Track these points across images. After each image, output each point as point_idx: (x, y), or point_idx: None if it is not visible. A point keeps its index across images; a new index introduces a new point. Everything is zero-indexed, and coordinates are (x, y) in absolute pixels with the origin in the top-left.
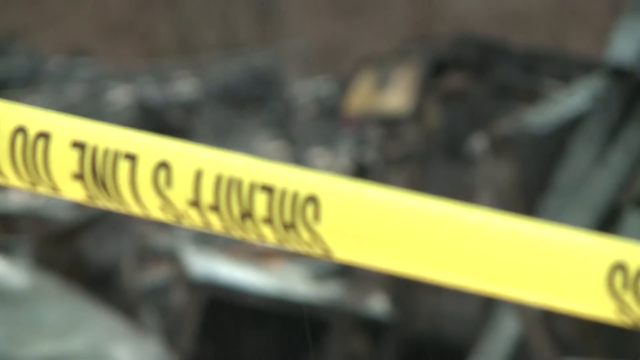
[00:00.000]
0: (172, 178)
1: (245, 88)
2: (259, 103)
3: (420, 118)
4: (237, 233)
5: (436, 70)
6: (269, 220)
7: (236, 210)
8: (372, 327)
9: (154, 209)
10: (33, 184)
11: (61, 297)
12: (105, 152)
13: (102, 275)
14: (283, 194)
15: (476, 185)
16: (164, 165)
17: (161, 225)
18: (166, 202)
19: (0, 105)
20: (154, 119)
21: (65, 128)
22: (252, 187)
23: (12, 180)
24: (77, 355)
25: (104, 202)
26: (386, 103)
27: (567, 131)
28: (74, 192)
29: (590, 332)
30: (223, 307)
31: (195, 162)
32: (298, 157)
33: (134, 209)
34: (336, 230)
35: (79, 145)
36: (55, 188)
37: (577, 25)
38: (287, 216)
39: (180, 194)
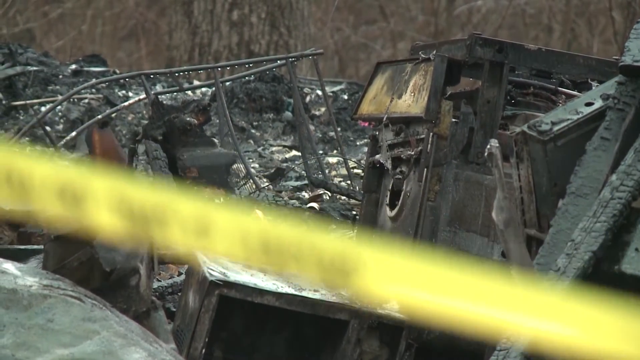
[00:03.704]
0: None
1: (260, 93)
2: (274, 107)
3: (434, 121)
4: None
5: (451, 74)
6: None
7: None
8: (387, 328)
9: None
10: None
11: (74, 302)
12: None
13: (115, 279)
14: None
15: (491, 188)
16: None
17: None
18: None
19: None
20: (169, 122)
21: None
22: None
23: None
24: None
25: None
26: (401, 106)
27: (583, 134)
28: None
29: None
30: (236, 307)
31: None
32: (313, 161)
33: None
34: None
35: None
36: None
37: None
38: None
39: None
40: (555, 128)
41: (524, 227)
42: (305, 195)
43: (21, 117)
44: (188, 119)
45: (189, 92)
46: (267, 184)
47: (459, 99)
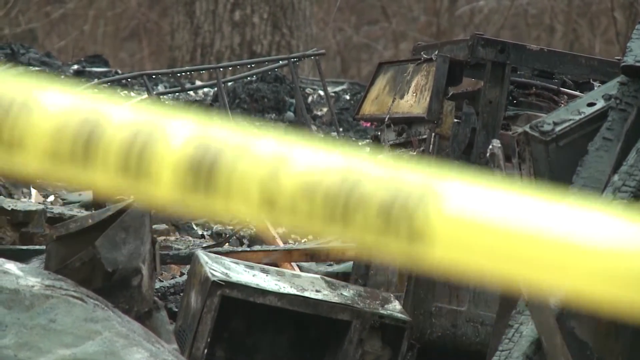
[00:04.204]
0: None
1: (262, 93)
2: (276, 108)
3: (436, 121)
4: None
5: (453, 74)
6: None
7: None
8: (389, 329)
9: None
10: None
11: (76, 302)
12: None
13: (117, 280)
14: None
15: None
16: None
17: (176, 228)
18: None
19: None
20: None
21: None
22: (377, 184)
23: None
24: None
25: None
26: (403, 107)
27: (585, 134)
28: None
29: (608, 337)
30: (238, 307)
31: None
32: None
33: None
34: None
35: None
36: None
37: (593, 29)
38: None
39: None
40: (558, 128)
41: None
42: None
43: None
44: None
45: (191, 93)
46: None
47: (461, 100)
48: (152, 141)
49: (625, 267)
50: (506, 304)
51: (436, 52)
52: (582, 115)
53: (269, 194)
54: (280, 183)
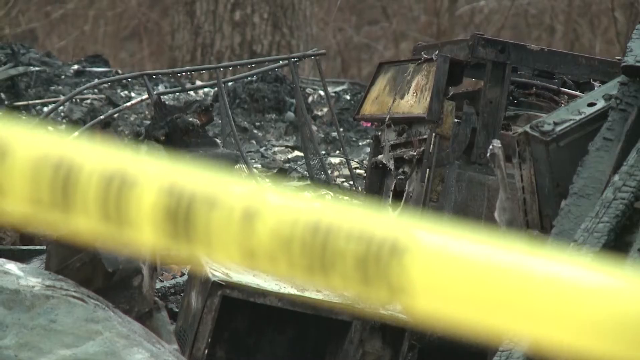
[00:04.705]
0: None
1: (262, 93)
2: (276, 108)
3: (437, 121)
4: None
5: (453, 74)
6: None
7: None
8: (389, 329)
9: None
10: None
11: (77, 302)
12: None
13: (118, 280)
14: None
15: (493, 189)
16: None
17: None
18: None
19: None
20: (171, 123)
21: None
22: (349, 236)
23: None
24: None
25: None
26: (403, 107)
27: (585, 134)
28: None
29: None
30: (238, 308)
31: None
32: (315, 161)
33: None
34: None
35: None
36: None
37: (594, 29)
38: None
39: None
40: (558, 128)
41: (527, 227)
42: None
43: (23, 118)
44: (190, 119)
45: (192, 93)
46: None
47: (461, 100)
48: (126, 188)
49: (619, 320)
50: None
51: (436, 52)
52: (583, 116)
53: (247, 244)
54: (256, 234)
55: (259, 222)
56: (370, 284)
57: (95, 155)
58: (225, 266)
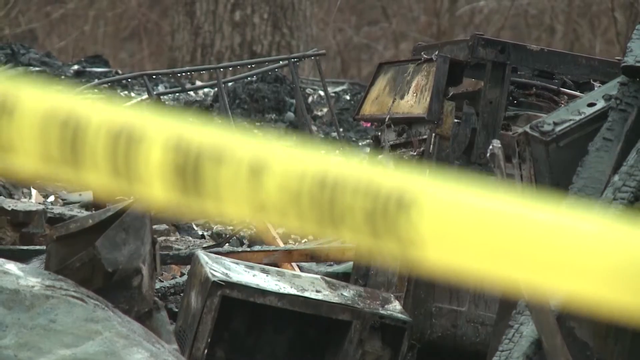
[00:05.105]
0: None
1: (262, 94)
2: (276, 108)
3: (437, 121)
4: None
5: (453, 74)
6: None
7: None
8: (389, 329)
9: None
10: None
11: (76, 302)
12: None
13: (117, 280)
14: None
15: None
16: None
17: (176, 229)
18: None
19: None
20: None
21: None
22: (355, 190)
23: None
24: None
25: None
26: (403, 107)
27: (585, 134)
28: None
29: (607, 338)
30: (238, 308)
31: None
32: None
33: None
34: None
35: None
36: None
37: (594, 29)
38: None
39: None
40: (558, 129)
41: None
42: None
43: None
44: None
45: (192, 93)
46: None
47: (461, 100)
48: (134, 144)
49: (623, 268)
50: (506, 304)
51: (436, 53)
52: (582, 116)
53: (256, 199)
54: (264, 189)
55: (267, 176)
56: (380, 237)
57: (101, 111)
58: (224, 266)
